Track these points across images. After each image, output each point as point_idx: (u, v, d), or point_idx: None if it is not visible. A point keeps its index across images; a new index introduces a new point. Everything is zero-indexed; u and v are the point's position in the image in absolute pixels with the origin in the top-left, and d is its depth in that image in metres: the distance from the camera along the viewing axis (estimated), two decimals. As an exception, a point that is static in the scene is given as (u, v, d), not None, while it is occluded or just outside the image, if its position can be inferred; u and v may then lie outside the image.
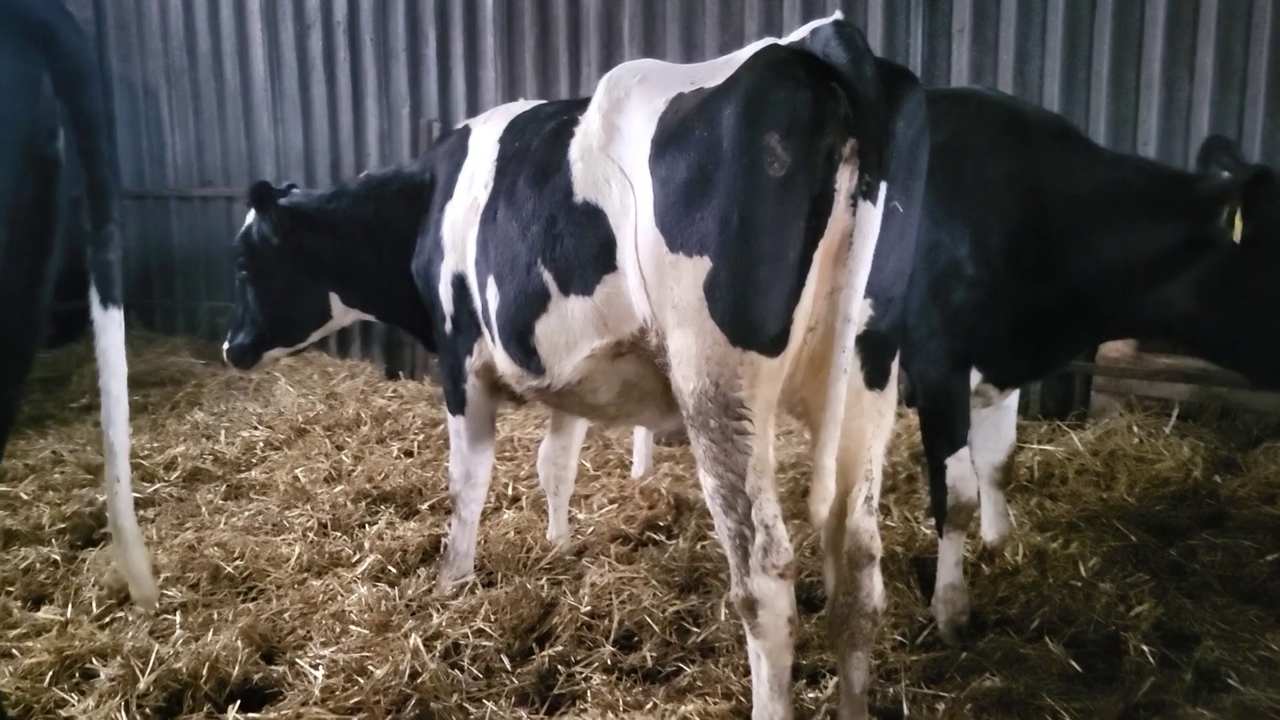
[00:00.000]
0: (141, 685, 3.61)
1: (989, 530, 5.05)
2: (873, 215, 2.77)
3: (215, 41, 10.06)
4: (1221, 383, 6.76)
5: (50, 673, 3.80)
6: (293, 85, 9.71)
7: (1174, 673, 3.86)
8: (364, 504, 5.71)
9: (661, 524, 5.40)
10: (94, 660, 3.89)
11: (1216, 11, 6.71)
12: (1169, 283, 3.94)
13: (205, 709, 3.56)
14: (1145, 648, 3.97)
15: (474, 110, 8.91)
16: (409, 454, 6.68)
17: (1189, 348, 4.79)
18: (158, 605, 4.43)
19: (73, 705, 3.58)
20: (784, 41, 3.03)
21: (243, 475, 6.34)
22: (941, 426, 4.34)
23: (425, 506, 5.68)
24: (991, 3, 7.22)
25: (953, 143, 4.24)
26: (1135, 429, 6.53)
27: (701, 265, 2.95)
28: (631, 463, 6.35)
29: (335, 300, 5.17)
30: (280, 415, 7.48)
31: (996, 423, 4.95)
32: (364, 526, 5.42)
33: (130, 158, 10.58)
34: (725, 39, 8.00)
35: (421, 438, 6.99)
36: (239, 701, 3.57)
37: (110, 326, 2.72)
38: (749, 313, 2.90)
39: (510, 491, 5.92)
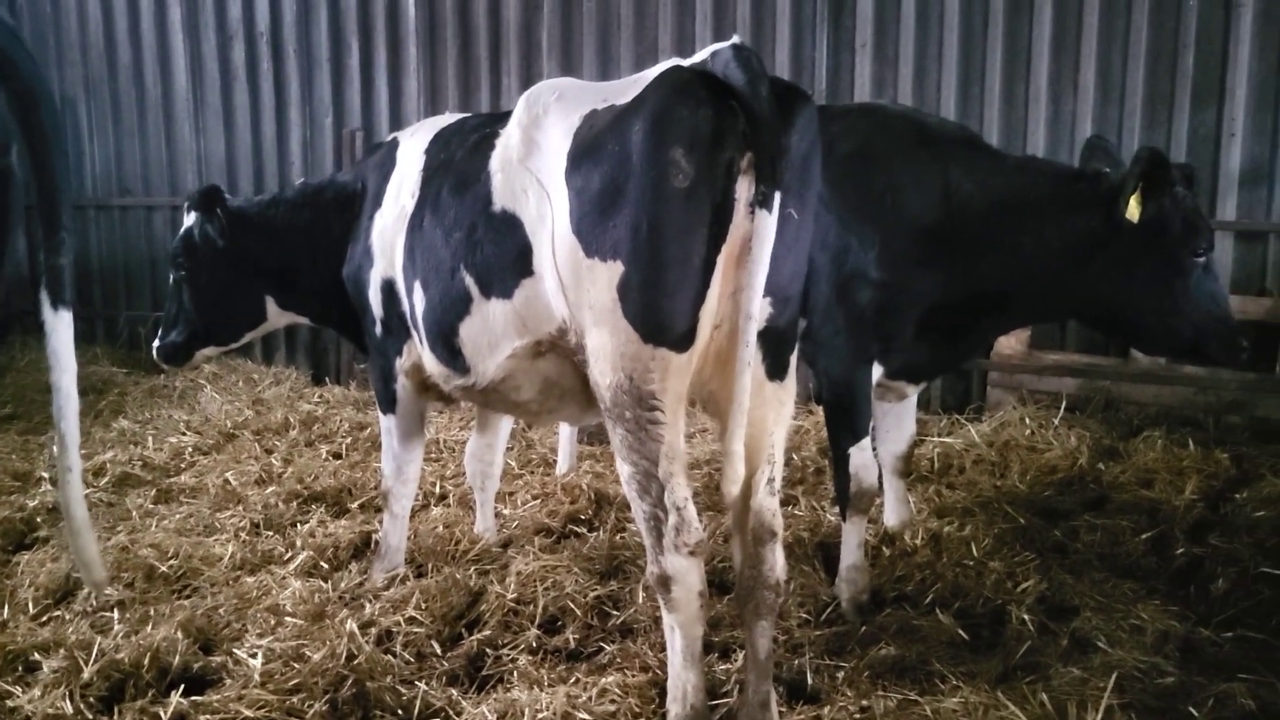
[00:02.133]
0: (85, 675, 3.72)
1: (890, 516, 5.38)
2: (769, 222, 3.05)
3: (136, 52, 10.04)
4: (1105, 377, 7.25)
5: (-6, 669, 3.91)
6: (215, 95, 9.75)
7: (1052, 639, 4.23)
8: (295, 504, 5.85)
9: (583, 517, 5.64)
10: (36, 654, 3.99)
11: (1097, 31, 7.22)
12: (1079, 270, 4.31)
13: (149, 695, 3.70)
14: (1026, 617, 4.33)
15: (397, 119, 9.07)
16: (338, 456, 6.84)
17: (1093, 327, 5.18)
18: (98, 600, 4.56)
19: (17, 697, 3.68)
20: (687, 63, 3.31)
21: (172, 480, 6.42)
22: (845, 419, 4.63)
23: (355, 505, 5.85)
24: (891, 20, 7.63)
25: (861, 152, 4.53)
26: (1027, 421, 6.96)
27: (615, 269, 3.21)
28: (555, 460, 6.59)
29: (270, 303, 5.33)
30: (208, 421, 7.55)
31: (898, 415, 5.29)
32: (296, 525, 5.57)
33: (48, 167, 10.49)
34: (640, 51, 8.29)
35: (349, 440, 7.15)
36: (181, 687, 3.71)
37: (60, 327, 2.90)
38: (659, 312, 3.16)
39: (438, 490, 6.12)
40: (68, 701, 3.61)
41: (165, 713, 3.50)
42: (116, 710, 3.64)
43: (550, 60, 8.44)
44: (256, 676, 3.73)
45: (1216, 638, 4.29)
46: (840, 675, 3.94)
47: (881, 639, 4.22)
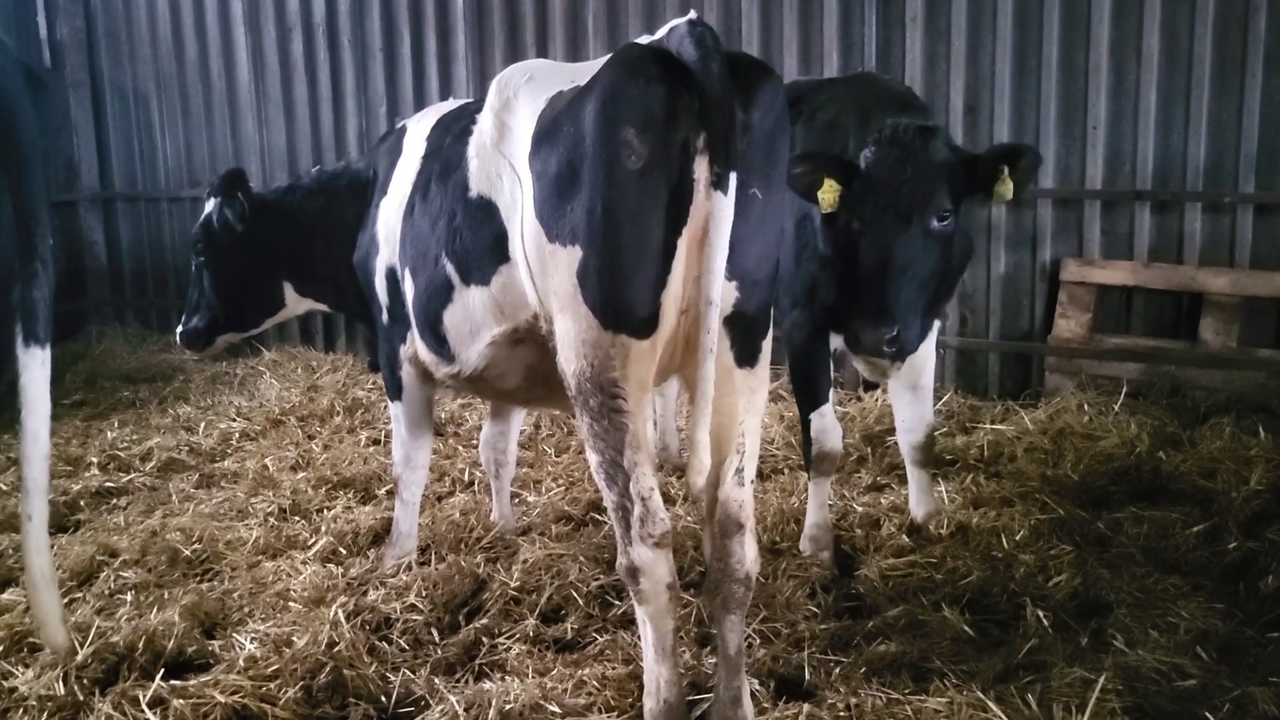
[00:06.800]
0: (80, 657, 3.80)
1: (916, 508, 5.20)
2: (724, 204, 2.93)
3: (202, 47, 10.30)
4: (1171, 361, 6.87)
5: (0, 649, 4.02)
6: (276, 87, 9.93)
7: (1070, 637, 4.01)
8: (324, 490, 5.91)
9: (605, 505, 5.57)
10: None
11: (1162, -5, 6.82)
12: None
13: (136, 679, 3.74)
14: (1041, 614, 4.12)
15: (450, 107, 9.11)
16: (376, 442, 6.89)
17: None
18: (116, 582, 4.68)
19: (16, 677, 3.78)
20: (644, 40, 3.20)
21: (216, 465, 6.56)
22: (805, 385, 4.81)
23: (383, 491, 5.87)
24: (944, -9, 7.35)
25: (831, 121, 4.71)
26: (1085, 407, 6.65)
27: (574, 254, 3.13)
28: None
29: (289, 289, 5.37)
30: (261, 408, 7.71)
31: (916, 405, 5.15)
32: (322, 511, 5.62)
33: (124, 161, 10.87)
34: (689, 32, 8.13)
35: (392, 427, 7.19)
36: (164, 671, 3.75)
37: (32, 364, 2.75)
38: (617, 298, 3.07)
39: (466, 477, 6.12)
40: (61, 683, 3.69)
41: (144, 696, 3.55)
42: (107, 693, 3.70)
43: (596, 43, 8.36)
44: (241, 662, 3.77)
45: (1262, 638, 4.03)
46: (837, 671, 3.81)
47: (889, 635, 4.07)
